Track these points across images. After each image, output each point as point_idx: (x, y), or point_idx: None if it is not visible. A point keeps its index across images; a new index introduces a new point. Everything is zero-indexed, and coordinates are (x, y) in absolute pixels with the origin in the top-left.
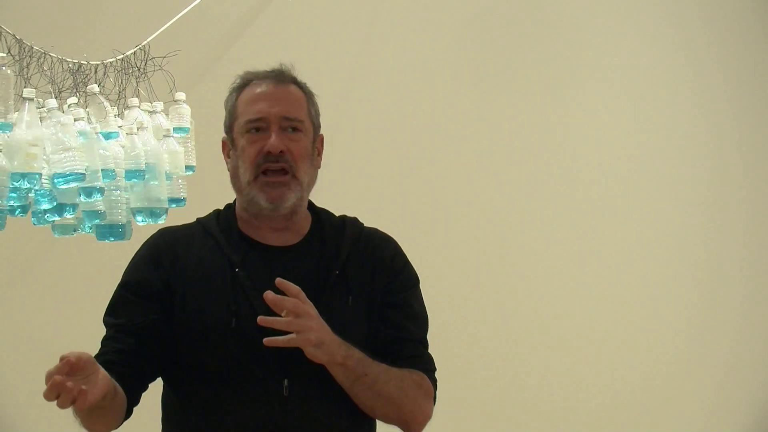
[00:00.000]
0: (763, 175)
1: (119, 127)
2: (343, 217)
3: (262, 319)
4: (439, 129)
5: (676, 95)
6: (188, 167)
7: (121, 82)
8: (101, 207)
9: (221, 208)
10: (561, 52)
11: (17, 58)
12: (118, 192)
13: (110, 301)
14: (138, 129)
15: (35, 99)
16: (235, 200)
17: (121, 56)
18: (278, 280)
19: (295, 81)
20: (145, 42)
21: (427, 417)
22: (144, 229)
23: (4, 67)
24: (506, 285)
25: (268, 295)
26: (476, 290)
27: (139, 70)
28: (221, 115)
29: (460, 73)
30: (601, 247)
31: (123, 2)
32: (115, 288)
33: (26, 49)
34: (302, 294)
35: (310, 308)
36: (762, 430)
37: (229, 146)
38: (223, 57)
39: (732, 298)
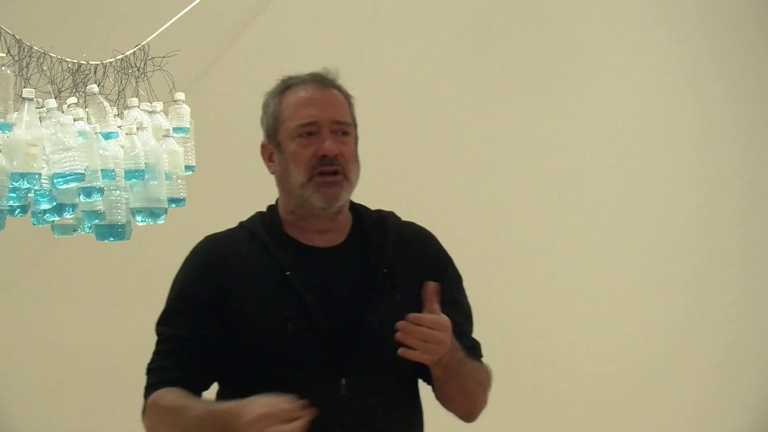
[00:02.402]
0: (759, 174)
1: (119, 127)
2: (380, 212)
3: (402, 352)
4: (438, 129)
5: (673, 95)
6: (188, 167)
7: (121, 82)
8: (101, 207)
9: (264, 210)
10: (559, 52)
11: (17, 58)
12: (118, 192)
13: (165, 311)
14: (137, 129)
15: (35, 99)
16: (276, 202)
17: (121, 56)
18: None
19: (335, 85)
20: (145, 42)
21: (485, 405)
22: (144, 229)
23: (3, 67)
24: (503, 283)
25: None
26: (474, 288)
27: (138, 70)
28: (220, 115)
29: (459, 74)
30: (597, 245)
31: (123, 2)
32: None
33: (26, 49)
34: (434, 324)
35: (441, 334)
36: (759, 425)
37: (271, 150)
38: (223, 57)
39: (727, 295)
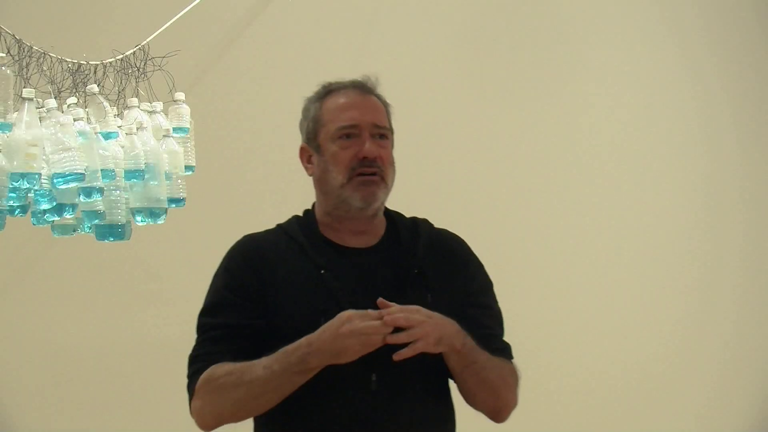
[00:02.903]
0: (761, 174)
1: (119, 127)
2: (414, 218)
3: (390, 338)
4: (438, 129)
5: (674, 95)
6: (188, 167)
7: (121, 82)
8: (101, 207)
9: (300, 214)
10: (560, 52)
11: (17, 58)
12: (118, 192)
13: (209, 303)
14: (137, 129)
15: (35, 99)
16: (313, 206)
17: (121, 56)
18: (380, 302)
19: (375, 92)
20: (145, 42)
21: (515, 405)
22: (144, 229)
23: (3, 67)
24: (504, 284)
25: (386, 319)
26: None
27: (138, 70)
28: (221, 114)
29: (459, 74)
30: (599, 246)
31: (123, 2)
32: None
33: (26, 49)
34: (405, 309)
35: (419, 315)
36: (760, 427)
37: (310, 152)
38: (223, 57)
39: (729, 296)
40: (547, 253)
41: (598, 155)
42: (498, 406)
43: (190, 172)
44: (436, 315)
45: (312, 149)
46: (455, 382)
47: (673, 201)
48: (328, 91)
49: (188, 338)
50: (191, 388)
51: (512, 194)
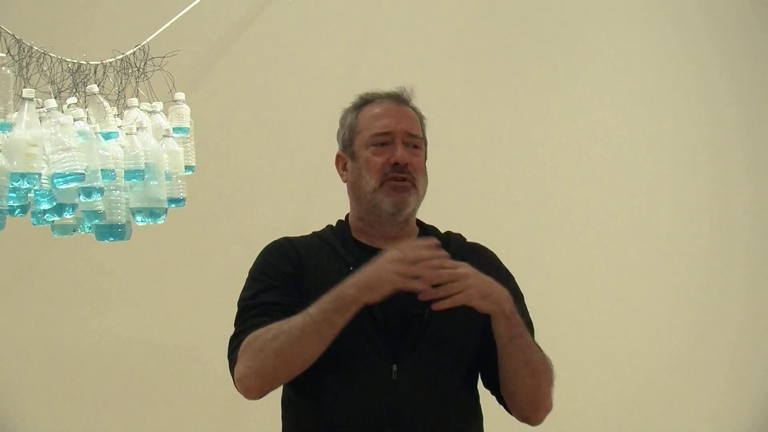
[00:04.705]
0: (766, 175)
1: (119, 127)
2: (448, 232)
3: (432, 302)
4: (438, 129)
5: (678, 94)
6: (188, 167)
7: (121, 82)
8: (101, 207)
9: (333, 224)
10: (562, 51)
11: (17, 58)
12: (118, 192)
13: (247, 291)
14: (137, 129)
15: (35, 99)
16: (347, 215)
17: (121, 56)
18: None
19: (410, 104)
20: (145, 42)
21: (551, 407)
22: (144, 229)
23: (3, 67)
24: None
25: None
26: None
27: (138, 70)
28: (221, 115)
29: (459, 73)
30: (603, 248)
31: (123, 2)
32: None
33: (26, 49)
34: (446, 262)
35: (464, 269)
36: (764, 431)
37: (346, 159)
38: (223, 57)
39: (735, 299)
40: (551, 258)
41: (600, 157)
42: (537, 399)
43: (190, 172)
44: (487, 277)
45: (347, 156)
46: (499, 360)
47: (679, 203)
48: (364, 101)
49: (189, 338)
50: (234, 360)
51: (515, 195)
